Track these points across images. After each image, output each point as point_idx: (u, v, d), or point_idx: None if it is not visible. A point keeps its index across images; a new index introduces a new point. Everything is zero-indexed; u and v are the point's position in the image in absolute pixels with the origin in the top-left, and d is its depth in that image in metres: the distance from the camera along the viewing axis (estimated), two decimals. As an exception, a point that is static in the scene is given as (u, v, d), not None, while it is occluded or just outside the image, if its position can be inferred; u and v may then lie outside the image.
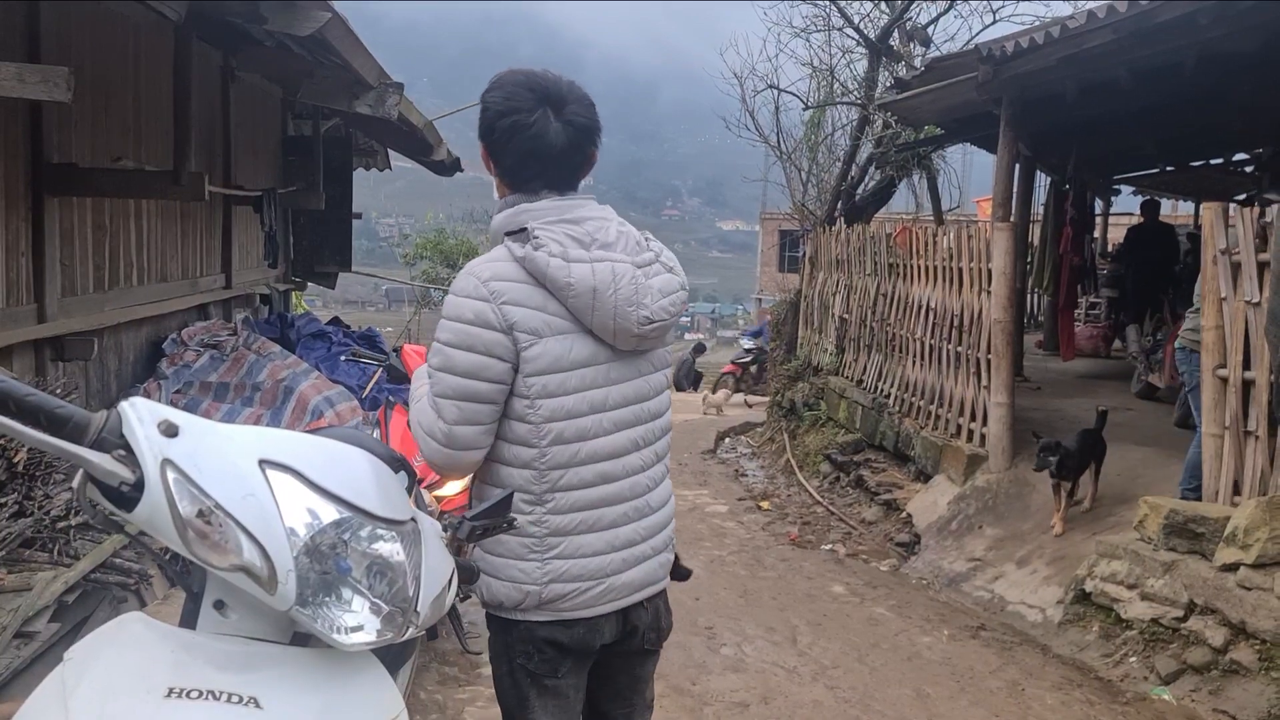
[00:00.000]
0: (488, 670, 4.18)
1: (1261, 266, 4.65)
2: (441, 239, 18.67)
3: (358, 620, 1.28)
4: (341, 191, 11.01)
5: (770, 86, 12.07)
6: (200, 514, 1.20)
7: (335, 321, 10.19)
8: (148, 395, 6.54)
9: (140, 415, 1.23)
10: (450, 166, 11.19)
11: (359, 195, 11.65)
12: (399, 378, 3.79)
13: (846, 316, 9.92)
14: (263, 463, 1.27)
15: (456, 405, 1.88)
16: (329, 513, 1.28)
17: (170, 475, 1.19)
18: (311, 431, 1.69)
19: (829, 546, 6.87)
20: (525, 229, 1.93)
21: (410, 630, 1.36)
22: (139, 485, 1.20)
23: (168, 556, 1.39)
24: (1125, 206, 19.98)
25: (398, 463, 1.61)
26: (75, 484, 1.24)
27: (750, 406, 13.83)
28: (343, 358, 4.07)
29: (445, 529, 1.61)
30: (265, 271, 9.58)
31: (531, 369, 1.90)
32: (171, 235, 7.18)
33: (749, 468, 10.08)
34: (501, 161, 2.02)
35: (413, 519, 1.42)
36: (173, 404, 6.72)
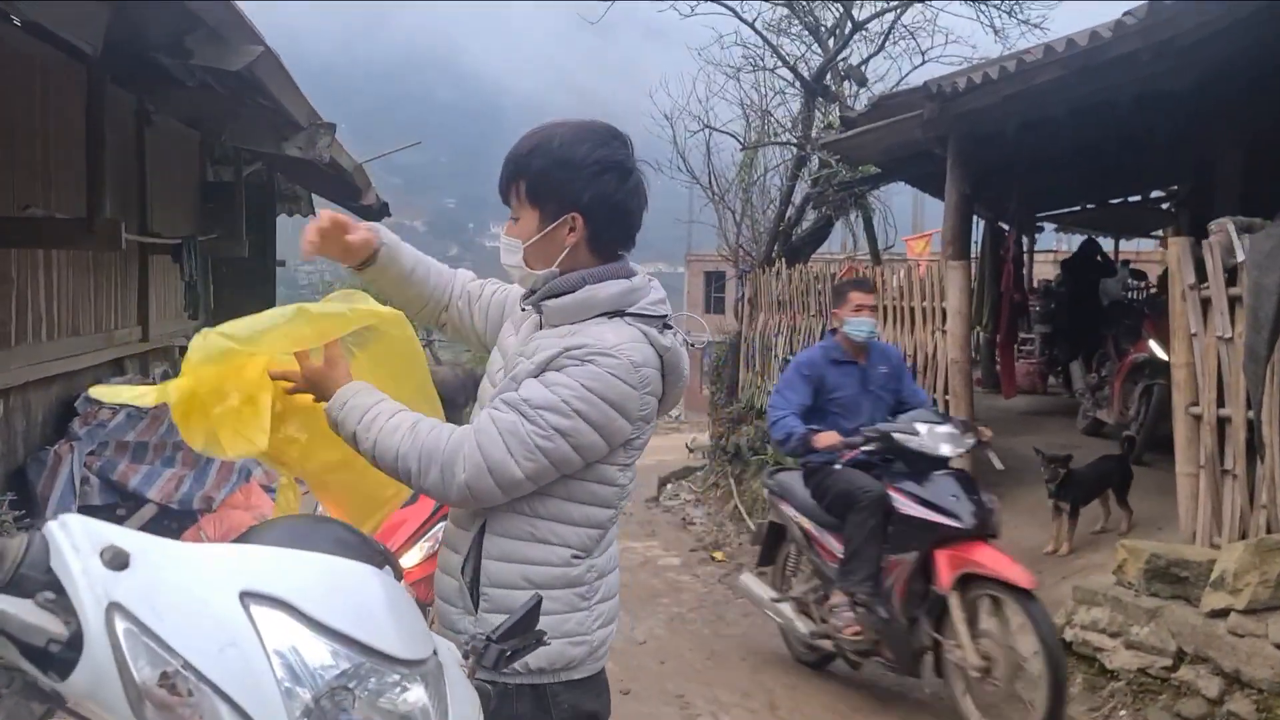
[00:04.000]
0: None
1: (1232, 301, 4.58)
2: (367, 285, 18.05)
3: (371, 797, 0.98)
4: (264, 239, 10.62)
5: (706, 127, 12.00)
6: (163, 677, 0.88)
7: (260, 373, 9.74)
8: (59, 457, 6.05)
9: (75, 541, 0.90)
10: (379, 211, 10.84)
11: (277, 243, 11.26)
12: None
13: (790, 358, 9.76)
14: (245, 596, 0.95)
15: (544, 467, 1.73)
16: (336, 660, 0.97)
17: (120, 625, 0.87)
18: (267, 528, 1.37)
19: (789, 598, 6.62)
20: (659, 314, 1.88)
21: (437, 797, 1.06)
22: (75, 642, 0.87)
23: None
24: (1045, 244, 20.47)
25: (382, 556, 1.32)
26: (-22, 641, 0.89)
27: (691, 451, 13.60)
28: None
29: (465, 655, 1.31)
30: (185, 323, 9.09)
31: (638, 444, 1.88)
32: (84, 286, 6.72)
33: (695, 515, 9.81)
34: (608, 229, 1.87)
35: (434, 651, 1.12)
36: (87, 466, 6.25)
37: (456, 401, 14.76)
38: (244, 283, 10.44)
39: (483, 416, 1.77)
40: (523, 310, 1.98)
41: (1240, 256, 4.41)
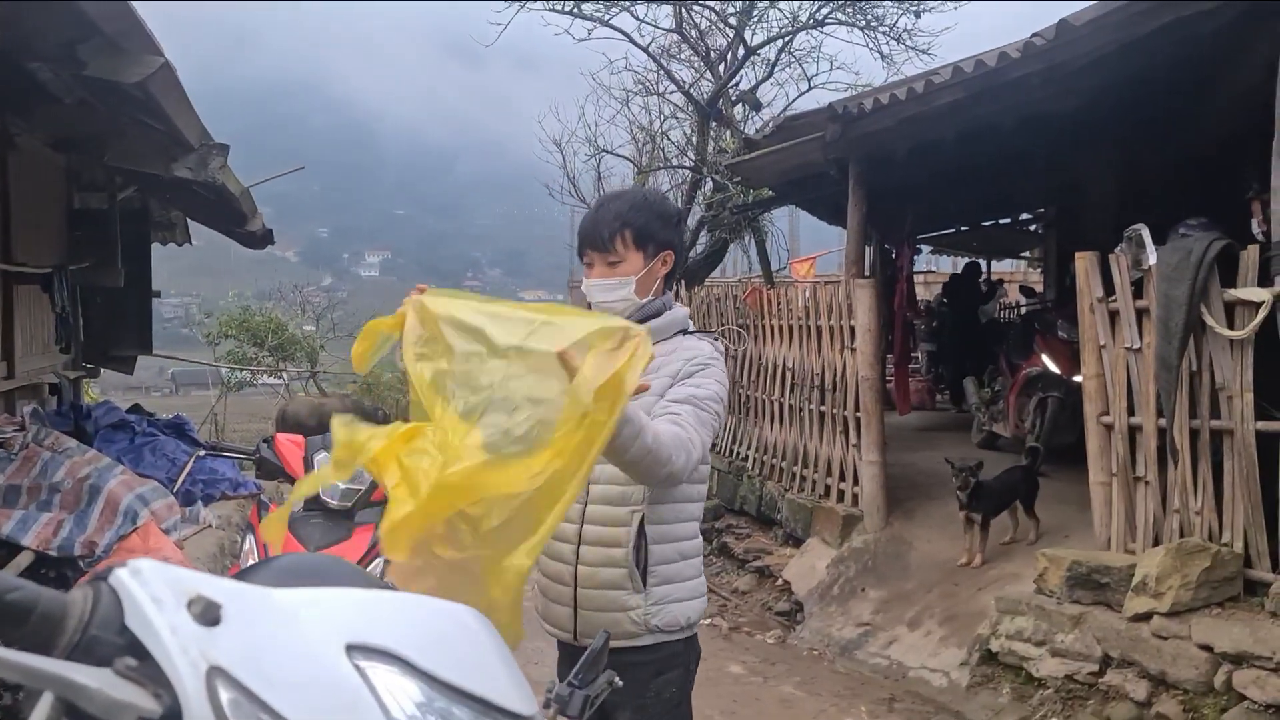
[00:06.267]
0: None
1: (1139, 313, 4.73)
2: (247, 316, 17.40)
3: None
4: (139, 268, 10.04)
5: (604, 151, 11.95)
6: None
7: (136, 409, 9.20)
8: (-83, 507, 5.55)
9: (154, 591, 0.71)
10: (263, 238, 10.37)
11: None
12: (271, 471, 3.22)
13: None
14: (352, 649, 0.78)
15: (712, 432, 2.21)
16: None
17: (224, 695, 0.69)
18: (274, 564, 1.21)
19: (708, 621, 6.55)
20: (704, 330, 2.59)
21: None
22: (170, 719, 0.69)
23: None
24: (919, 265, 21.12)
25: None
26: (38, 720, 0.68)
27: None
28: (202, 452, 3.45)
29: (547, 704, 1.17)
30: (55, 357, 8.51)
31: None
32: (-56, 320, 6.20)
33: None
34: (679, 264, 2.43)
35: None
36: (-50, 515, 5.74)
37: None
38: (118, 315, 9.88)
39: (674, 413, 2.14)
40: None
41: (1152, 259, 4.56)
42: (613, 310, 2.30)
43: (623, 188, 2.77)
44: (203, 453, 3.65)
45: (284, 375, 17.58)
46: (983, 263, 16.47)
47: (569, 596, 2.29)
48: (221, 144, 6.02)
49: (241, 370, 17.20)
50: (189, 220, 11.27)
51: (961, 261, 18.12)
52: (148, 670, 0.68)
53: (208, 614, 0.72)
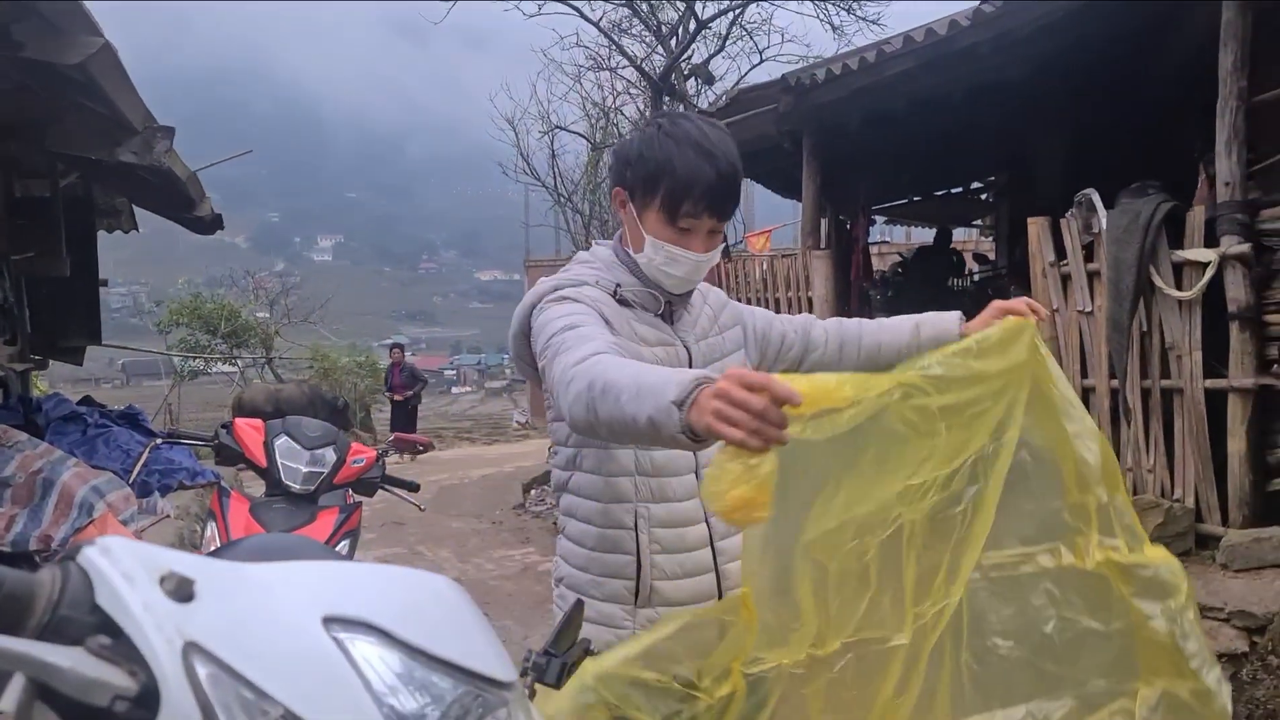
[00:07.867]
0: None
1: (1091, 276, 4.80)
2: (199, 304, 17.13)
3: None
4: (84, 257, 9.85)
5: (556, 128, 11.88)
6: None
7: (87, 401, 9.05)
8: None
9: (125, 568, 0.70)
10: (212, 223, 10.18)
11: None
12: (231, 458, 3.17)
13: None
14: (329, 622, 0.78)
15: None
16: (442, 691, 0.80)
17: (202, 670, 0.68)
18: (242, 544, 1.19)
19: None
20: None
21: None
22: (146, 698, 0.67)
23: None
24: (875, 236, 21.26)
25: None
26: (9, 705, 0.65)
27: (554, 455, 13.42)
28: (159, 440, 3.37)
29: (524, 672, 1.16)
30: (0, 350, 8.34)
31: None
32: (-115, 314, 6.04)
33: (565, 520, 9.66)
34: None
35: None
36: (-102, 514, 5.62)
37: (307, 413, 14.19)
38: (65, 305, 9.70)
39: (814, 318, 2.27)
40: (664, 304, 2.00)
41: (1102, 223, 4.62)
42: (691, 284, 1.95)
43: (709, 125, 1.81)
44: (159, 441, 3.56)
45: (238, 362, 17.37)
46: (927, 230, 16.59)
47: (708, 560, 1.97)
48: (166, 126, 5.89)
49: (195, 359, 16.95)
50: (135, 207, 11.06)
51: (915, 231, 18.26)
52: (122, 648, 0.67)
53: (181, 590, 0.70)
